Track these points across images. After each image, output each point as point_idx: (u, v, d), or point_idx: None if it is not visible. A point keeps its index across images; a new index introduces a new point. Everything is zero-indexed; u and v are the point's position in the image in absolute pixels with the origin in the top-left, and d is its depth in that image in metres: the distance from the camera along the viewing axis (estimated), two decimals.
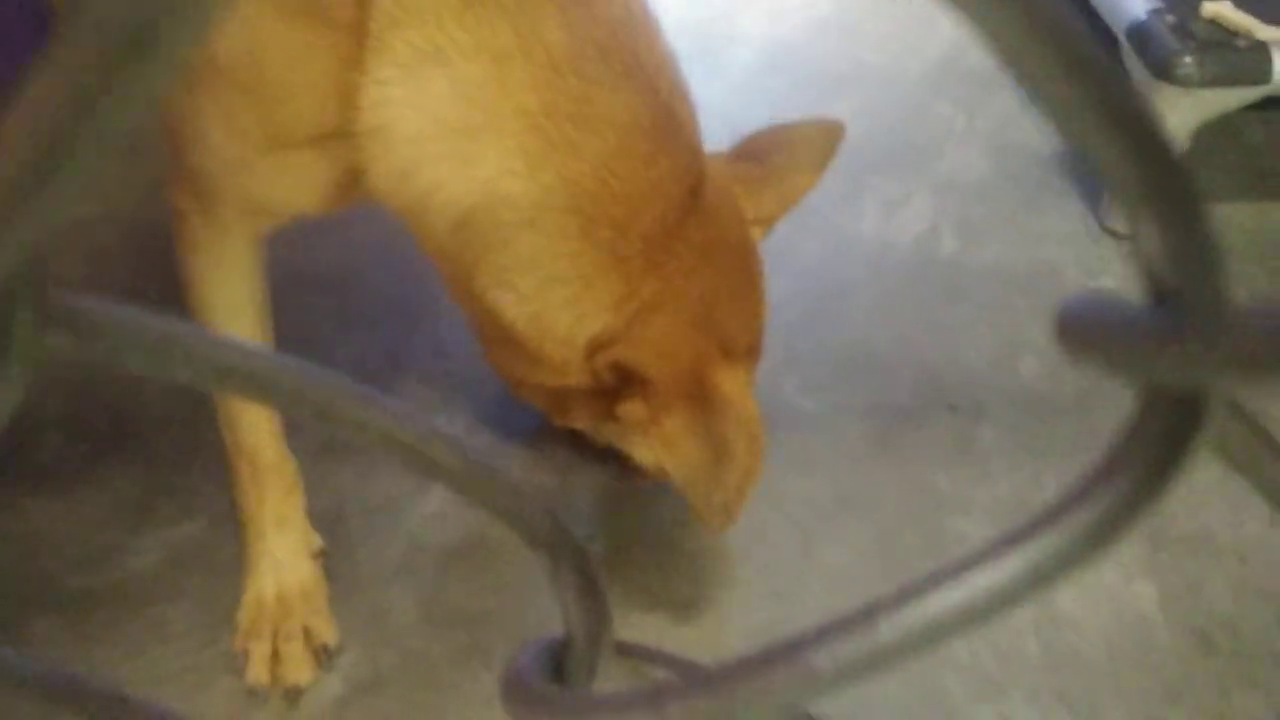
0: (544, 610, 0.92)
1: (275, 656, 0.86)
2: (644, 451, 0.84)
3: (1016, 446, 1.07)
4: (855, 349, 1.16)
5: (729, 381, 0.75)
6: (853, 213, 1.33)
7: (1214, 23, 1.22)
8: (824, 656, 0.18)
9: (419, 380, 1.12)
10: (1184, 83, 1.18)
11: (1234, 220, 1.32)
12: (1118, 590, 0.95)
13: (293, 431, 0.91)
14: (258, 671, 0.86)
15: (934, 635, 0.17)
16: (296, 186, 0.73)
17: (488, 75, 0.66)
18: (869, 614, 0.18)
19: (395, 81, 0.65)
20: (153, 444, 1.04)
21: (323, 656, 0.88)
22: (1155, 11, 1.23)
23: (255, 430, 0.89)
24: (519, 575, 0.95)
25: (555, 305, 0.74)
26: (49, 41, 0.13)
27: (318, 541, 0.94)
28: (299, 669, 0.86)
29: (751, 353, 0.82)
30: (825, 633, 0.18)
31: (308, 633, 0.88)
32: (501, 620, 0.92)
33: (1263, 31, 1.19)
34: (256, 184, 0.73)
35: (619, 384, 0.77)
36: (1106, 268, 1.27)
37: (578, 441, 1.01)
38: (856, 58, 1.62)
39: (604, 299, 0.74)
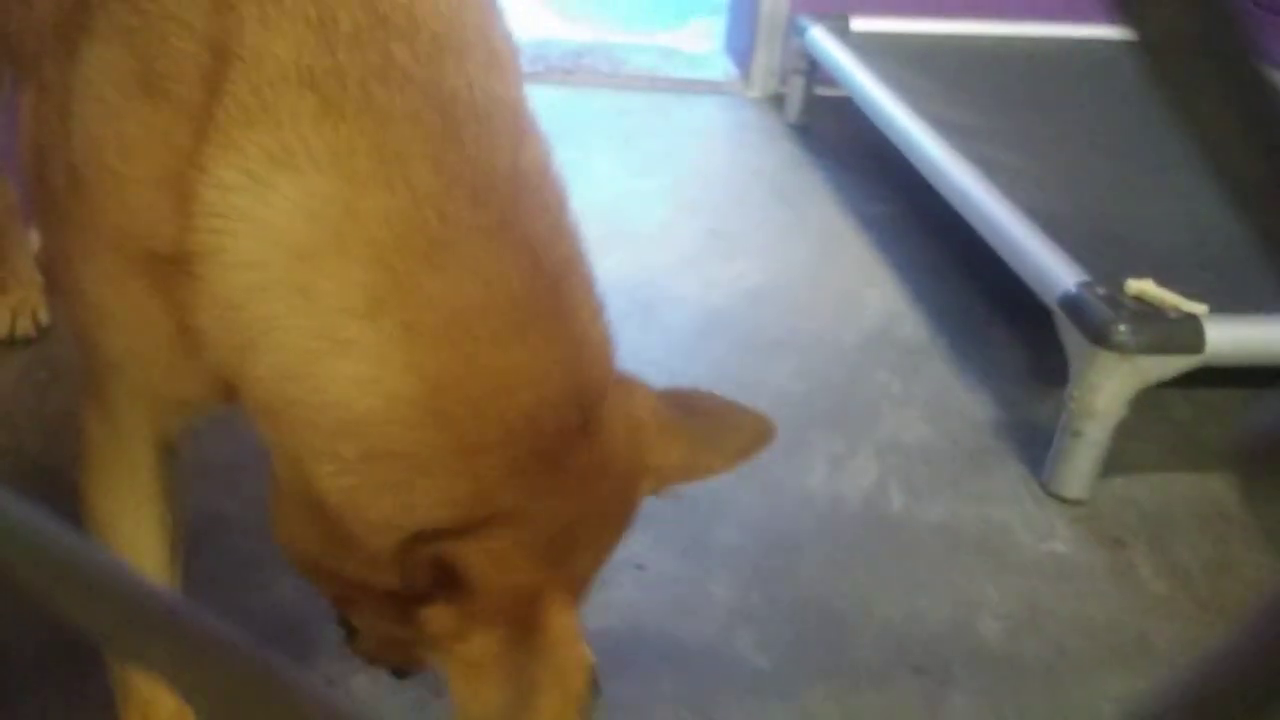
0: None
1: None
2: (437, 664, 0.68)
3: (988, 712, 1.00)
4: (810, 605, 1.10)
5: (565, 623, 0.62)
6: (798, 467, 1.31)
7: (1139, 298, 1.28)
8: None
9: None
10: (1120, 349, 1.21)
11: (1173, 490, 1.33)
12: None
13: None
14: None
15: None
16: (144, 335, 0.64)
17: (338, 193, 0.55)
18: None
19: (239, 189, 0.56)
20: (32, 694, 0.91)
21: None
22: (1084, 284, 1.29)
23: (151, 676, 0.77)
24: None
25: (379, 484, 0.60)
26: None
27: None
28: None
29: (583, 593, 0.69)
30: None
31: None
32: None
33: (1189, 305, 1.25)
34: (110, 332, 0.66)
35: (431, 586, 0.62)
36: (1054, 531, 1.25)
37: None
38: (791, 325, 1.64)
39: (442, 492, 0.59)
